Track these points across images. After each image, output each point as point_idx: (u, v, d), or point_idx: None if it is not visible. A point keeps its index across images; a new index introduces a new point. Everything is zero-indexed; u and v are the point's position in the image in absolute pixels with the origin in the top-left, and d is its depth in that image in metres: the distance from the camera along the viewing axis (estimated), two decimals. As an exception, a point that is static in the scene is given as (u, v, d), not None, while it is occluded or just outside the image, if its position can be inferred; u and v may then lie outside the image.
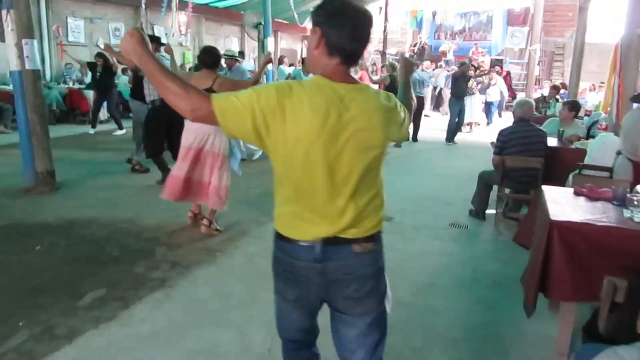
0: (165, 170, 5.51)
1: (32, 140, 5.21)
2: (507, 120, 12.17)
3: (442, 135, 10.43)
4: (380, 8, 17.20)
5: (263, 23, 10.36)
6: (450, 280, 3.55)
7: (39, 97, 5.21)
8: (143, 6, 10.05)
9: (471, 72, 10.64)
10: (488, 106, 12.60)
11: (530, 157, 4.26)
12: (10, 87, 9.39)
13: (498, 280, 3.53)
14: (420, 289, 3.37)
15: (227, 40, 17.33)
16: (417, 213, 5.12)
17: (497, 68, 12.69)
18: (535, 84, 16.32)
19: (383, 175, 1.65)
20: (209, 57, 4.15)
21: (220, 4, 16.07)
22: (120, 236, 4.14)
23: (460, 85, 9.69)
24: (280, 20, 19.73)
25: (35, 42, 5.21)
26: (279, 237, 1.55)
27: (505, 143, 4.37)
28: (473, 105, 10.91)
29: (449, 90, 11.93)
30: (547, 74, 19.06)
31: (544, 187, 2.99)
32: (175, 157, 5.13)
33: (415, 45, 20.63)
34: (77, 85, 10.90)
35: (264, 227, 4.49)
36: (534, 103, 4.79)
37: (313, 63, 1.47)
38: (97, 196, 5.29)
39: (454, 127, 9.82)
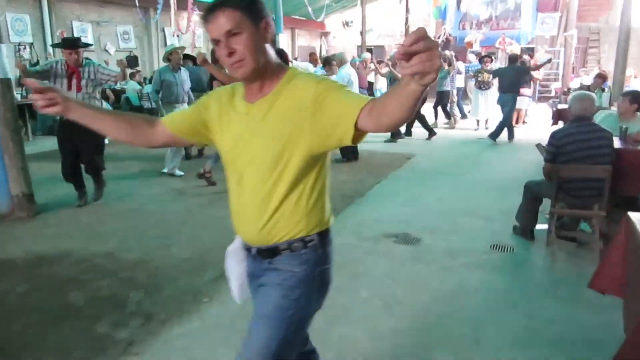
0: (80, 189, 5.03)
1: (5, 159, 4.58)
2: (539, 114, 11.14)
3: (469, 133, 9.53)
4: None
5: (274, 19, 9.58)
6: (499, 334, 2.72)
7: (9, 109, 4.56)
8: (159, 7, 9.45)
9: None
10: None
11: (593, 165, 3.39)
12: None
13: (562, 335, 2.68)
14: (460, 350, 2.56)
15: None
16: (451, 232, 4.29)
17: (527, 57, 11.63)
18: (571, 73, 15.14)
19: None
20: None
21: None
22: (91, 277, 3.44)
23: (517, 78, 8.85)
24: (297, 17, 19.02)
25: (4, 47, 4.56)
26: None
27: (559, 148, 3.50)
28: (488, 100, 9.87)
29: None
30: (582, 62, 17.81)
31: (633, 216, 2.14)
32: (89, 172, 5.00)
33: (438, 37, 19.60)
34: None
35: (266, 258, 3.73)
36: (595, 97, 3.90)
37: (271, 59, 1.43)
38: (79, 222, 4.62)
39: (504, 125, 8.96)
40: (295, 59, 14.37)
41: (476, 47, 18.74)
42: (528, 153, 7.32)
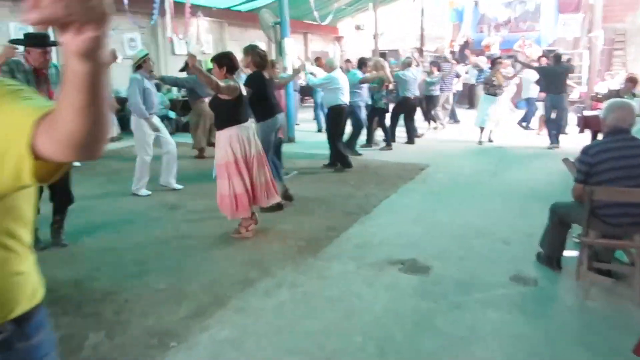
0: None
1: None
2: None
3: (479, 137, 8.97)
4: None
5: (280, 23, 9.19)
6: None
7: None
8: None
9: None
10: (529, 104, 10.71)
11: (634, 188, 2.86)
12: None
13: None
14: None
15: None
16: (465, 259, 3.78)
17: (543, 59, 10.97)
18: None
19: None
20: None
21: (243, 7, 15.13)
22: (51, 313, 3.01)
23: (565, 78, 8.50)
24: (310, 22, 18.64)
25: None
26: None
27: (593, 166, 2.97)
28: (498, 108, 9.04)
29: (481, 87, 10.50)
30: (607, 65, 17.04)
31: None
32: (60, 205, 4.14)
33: (455, 41, 19.03)
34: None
35: (252, 290, 3.29)
36: (637, 106, 3.37)
37: None
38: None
39: (559, 128, 8.55)
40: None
41: (494, 50, 18.13)
42: (555, 162, 6.76)
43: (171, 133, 10.78)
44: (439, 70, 10.14)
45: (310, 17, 15.35)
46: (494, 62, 9.18)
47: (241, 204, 4.13)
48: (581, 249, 3.22)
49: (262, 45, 16.65)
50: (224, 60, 4.15)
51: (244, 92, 4.27)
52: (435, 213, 4.93)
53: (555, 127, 8.54)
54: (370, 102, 8.30)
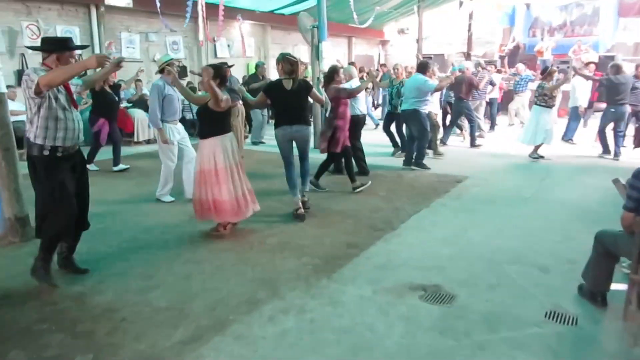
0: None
1: (-5, 180, 4.20)
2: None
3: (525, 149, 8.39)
4: (461, 2, 15.13)
5: (318, 26, 8.97)
6: None
7: (3, 126, 4.19)
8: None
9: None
10: (573, 114, 9.87)
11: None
12: None
13: None
14: None
15: (295, 50, 16.20)
16: (495, 287, 3.41)
17: (591, 66, 10.16)
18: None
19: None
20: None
21: (286, 11, 15.03)
22: (45, 329, 2.90)
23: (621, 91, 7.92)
24: (354, 26, 18.37)
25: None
26: None
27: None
28: (550, 120, 8.13)
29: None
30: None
31: None
32: (81, 229, 3.82)
33: (505, 45, 18.25)
34: (123, 104, 10.19)
35: (256, 314, 3.05)
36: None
37: None
38: (67, 250, 4.15)
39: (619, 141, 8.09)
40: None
41: (547, 56, 17.27)
42: (604, 179, 6.20)
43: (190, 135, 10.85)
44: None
45: (353, 20, 15.09)
46: (547, 71, 8.30)
47: (223, 210, 4.34)
48: (630, 287, 2.79)
49: (305, 50, 16.61)
50: (218, 73, 4.24)
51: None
52: (467, 232, 4.55)
53: (615, 140, 8.05)
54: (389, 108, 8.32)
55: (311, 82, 6.86)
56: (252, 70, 15.13)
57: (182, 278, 3.60)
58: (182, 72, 12.94)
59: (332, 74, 6.20)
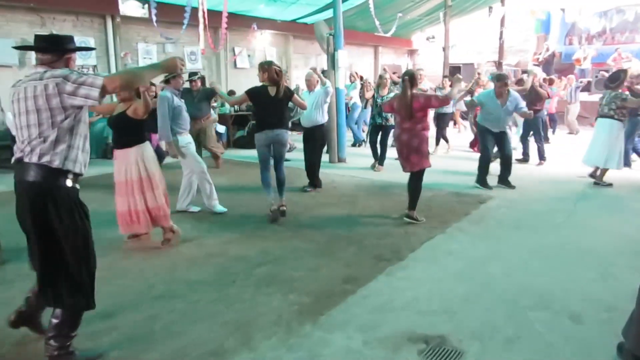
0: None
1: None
2: None
3: (570, 172, 7.66)
4: (491, 8, 14.40)
5: (333, 34, 8.50)
6: None
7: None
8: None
9: None
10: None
11: None
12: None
13: None
14: None
15: (318, 59, 15.79)
16: (513, 342, 2.79)
17: (603, 73, 9.28)
18: None
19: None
20: None
21: (308, 20, 14.65)
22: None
23: None
24: (381, 35, 17.88)
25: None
26: None
27: None
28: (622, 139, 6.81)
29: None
30: None
31: None
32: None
33: (540, 54, 17.38)
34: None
35: None
36: None
37: None
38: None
39: None
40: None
41: (586, 65, 16.34)
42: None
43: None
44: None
45: (381, 29, 14.58)
46: (619, 79, 6.72)
47: (143, 219, 4.31)
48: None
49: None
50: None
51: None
52: (486, 265, 3.93)
53: None
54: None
55: (329, 91, 6.66)
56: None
57: (146, 318, 3.12)
58: (202, 82, 12.71)
59: (413, 79, 5.33)
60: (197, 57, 12.62)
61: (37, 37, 2.57)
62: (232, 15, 12.54)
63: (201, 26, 7.06)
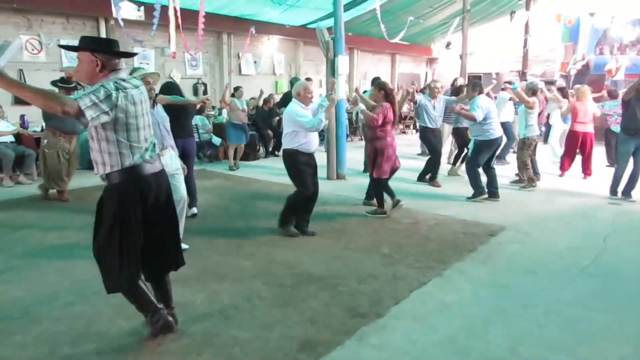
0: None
1: None
2: None
3: (599, 195, 6.70)
4: (513, 13, 13.42)
5: (334, 39, 7.73)
6: None
7: None
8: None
9: None
10: None
11: None
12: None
13: None
14: None
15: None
16: None
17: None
18: None
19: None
20: None
21: (320, 24, 13.90)
22: None
23: None
24: (399, 42, 17.05)
25: None
26: None
27: None
28: None
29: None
30: None
31: None
32: None
33: (571, 63, 16.25)
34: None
35: None
36: None
37: None
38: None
39: None
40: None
41: (619, 76, 15.17)
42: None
43: (215, 160, 9.87)
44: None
45: (395, 35, 13.74)
46: None
47: None
48: None
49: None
50: None
51: None
52: (487, 330, 3.05)
53: None
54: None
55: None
56: (282, 89, 14.13)
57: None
58: (203, 90, 12.08)
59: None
60: (198, 63, 12.00)
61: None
62: (236, 20, 11.92)
63: (172, 26, 6.36)
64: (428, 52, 19.99)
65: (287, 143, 4.85)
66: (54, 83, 6.48)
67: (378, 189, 5.73)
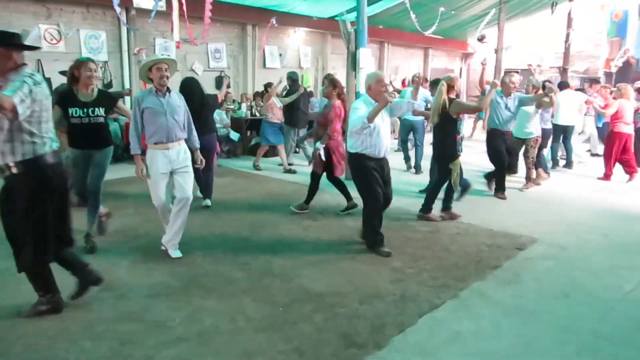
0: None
1: None
2: None
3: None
4: (554, 4, 12.53)
5: (356, 30, 7.25)
6: None
7: None
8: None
9: None
10: None
11: None
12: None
13: None
14: None
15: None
16: None
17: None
18: None
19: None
20: None
21: (349, 17, 13.39)
22: None
23: None
24: (433, 36, 16.35)
25: None
26: None
27: None
28: None
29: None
30: None
31: None
32: None
33: (614, 60, 15.20)
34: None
35: None
36: None
37: None
38: None
39: None
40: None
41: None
42: None
43: (233, 156, 9.48)
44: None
45: (428, 28, 13.10)
46: None
47: None
48: None
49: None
50: None
51: None
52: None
53: None
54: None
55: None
56: (307, 83, 13.71)
57: None
58: (220, 82, 11.76)
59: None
60: (221, 55, 11.68)
61: None
62: (261, 11, 11.53)
63: (175, 13, 6.00)
64: (463, 47, 19.16)
65: (350, 145, 4.37)
66: (63, 72, 6.23)
67: (343, 186, 5.55)
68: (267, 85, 9.10)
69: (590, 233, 4.93)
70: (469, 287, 3.58)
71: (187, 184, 4.10)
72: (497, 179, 6.42)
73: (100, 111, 4.15)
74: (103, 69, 9.70)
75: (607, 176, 7.41)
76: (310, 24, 12.88)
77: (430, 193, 5.35)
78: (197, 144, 4.35)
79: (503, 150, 6.20)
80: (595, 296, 3.48)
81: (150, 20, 6.72)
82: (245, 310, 3.18)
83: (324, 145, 5.29)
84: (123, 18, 6.79)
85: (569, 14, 12.62)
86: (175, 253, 4.14)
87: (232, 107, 10.14)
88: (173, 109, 4.06)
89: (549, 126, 7.63)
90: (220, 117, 9.02)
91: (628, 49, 14.82)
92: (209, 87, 11.26)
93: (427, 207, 5.31)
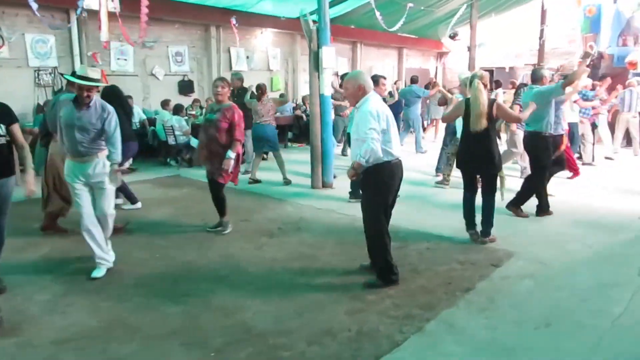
0: None
1: None
2: None
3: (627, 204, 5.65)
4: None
5: (318, 28, 6.78)
6: None
7: None
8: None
9: None
10: None
11: None
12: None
13: None
14: None
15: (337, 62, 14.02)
16: None
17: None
18: None
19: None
20: None
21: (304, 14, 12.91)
22: None
23: None
24: (406, 35, 15.99)
25: None
26: None
27: None
28: None
29: None
30: None
31: None
32: None
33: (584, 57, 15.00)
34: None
35: None
36: None
37: None
38: None
39: None
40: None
41: (643, 68, 13.92)
42: None
43: (195, 165, 8.77)
44: None
45: (404, 29, 12.73)
46: None
47: None
48: None
49: (344, 62, 14.19)
50: None
51: None
52: None
53: None
54: None
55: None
56: (277, 86, 13.20)
57: None
58: (189, 87, 11.19)
59: None
60: (183, 58, 11.09)
61: None
62: (225, 11, 10.97)
63: (103, 10, 5.45)
64: (438, 46, 18.85)
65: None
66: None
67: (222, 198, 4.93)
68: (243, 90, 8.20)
69: (571, 243, 4.51)
70: (437, 317, 3.10)
71: (101, 200, 3.76)
72: (531, 193, 5.47)
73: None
74: (52, 75, 9.08)
75: (575, 172, 6.99)
76: (278, 24, 12.37)
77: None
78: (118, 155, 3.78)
79: (545, 157, 5.26)
80: (581, 325, 3.02)
81: (75, 16, 6.11)
82: (169, 359, 2.65)
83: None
84: (46, 21, 6.14)
85: (542, 8, 12.33)
86: (94, 272, 3.71)
87: (193, 112, 9.58)
88: (85, 125, 3.57)
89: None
90: (180, 124, 8.46)
91: (593, 45, 14.62)
92: (171, 93, 10.71)
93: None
